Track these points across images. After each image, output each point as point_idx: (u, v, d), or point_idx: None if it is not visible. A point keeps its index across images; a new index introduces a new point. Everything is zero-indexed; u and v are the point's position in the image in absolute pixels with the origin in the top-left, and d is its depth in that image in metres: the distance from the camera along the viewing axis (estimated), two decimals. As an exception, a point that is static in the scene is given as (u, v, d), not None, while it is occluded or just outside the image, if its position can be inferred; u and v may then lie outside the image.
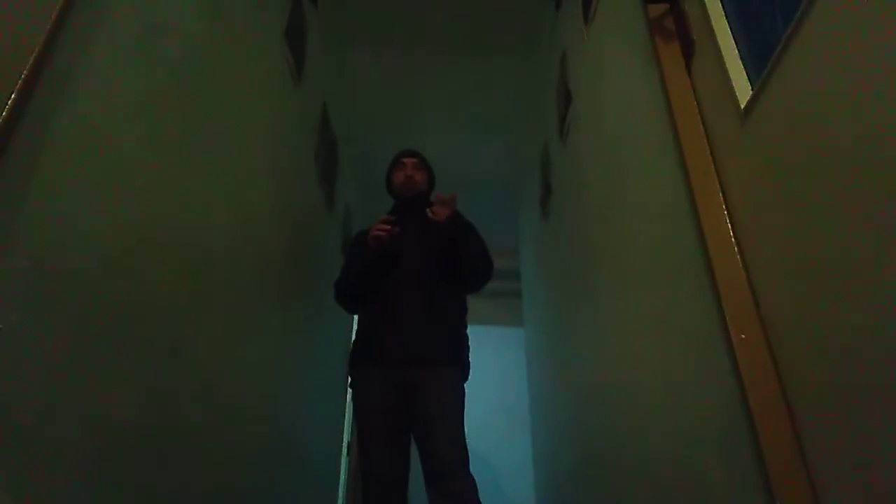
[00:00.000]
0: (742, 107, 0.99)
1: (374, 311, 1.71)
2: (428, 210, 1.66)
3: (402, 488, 1.56)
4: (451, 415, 1.55)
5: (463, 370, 1.68)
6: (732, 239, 1.00)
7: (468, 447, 1.52)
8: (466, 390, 1.64)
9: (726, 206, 1.03)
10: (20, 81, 0.74)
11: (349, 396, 3.79)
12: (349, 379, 1.71)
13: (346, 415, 3.63)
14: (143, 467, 1.06)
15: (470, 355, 1.74)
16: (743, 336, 0.90)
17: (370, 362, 1.64)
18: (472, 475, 1.48)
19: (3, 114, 0.71)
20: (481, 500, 1.45)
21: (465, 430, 1.56)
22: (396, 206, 1.90)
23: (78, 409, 0.88)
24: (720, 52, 1.09)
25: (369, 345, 1.68)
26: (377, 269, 1.69)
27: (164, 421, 1.14)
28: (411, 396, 1.55)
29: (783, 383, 0.85)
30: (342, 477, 3.59)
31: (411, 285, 1.68)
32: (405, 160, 1.93)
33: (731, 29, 1.11)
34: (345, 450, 3.62)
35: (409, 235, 1.69)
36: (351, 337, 3.95)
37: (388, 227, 1.63)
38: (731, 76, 1.05)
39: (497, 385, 4.04)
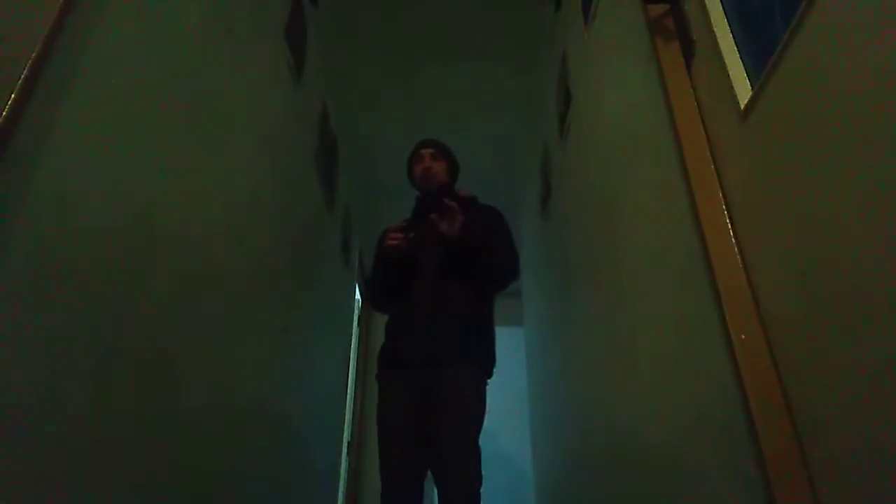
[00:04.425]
0: (742, 107, 0.99)
1: (397, 314, 1.72)
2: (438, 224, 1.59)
3: (418, 497, 1.54)
4: (460, 413, 1.52)
5: (483, 368, 1.67)
6: (732, 239, 1.00)
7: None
8: None
9: (726, 206, 1.03)
10: (20, 81, 0.74)
11: (349, 397, 3.80)
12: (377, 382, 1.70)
13: (347, 415, 3.64)
14: (142, 467, 1.06)
15: (495, 350, 1.72)
16: (743, 336, 0.90)
17: (392, 365, 1.64)
18: (473, 471, 1.46)
19: (3, 114, 0.71)
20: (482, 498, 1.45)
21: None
22: (419, 200, 1.87)
23: (77, 407, 0.88)
24: (720, 52, 1.09)
25: (391, 347, 1.68)
26: (398, 274, 1.69)
27: (163, 421, 1.14)
28: (429, 398, 1.54)
29: (783, 383, 0.85)
30: (342, 477, 3.60)
31: (428, 287, 1.66)
32: (422, 151, 1.88)
33: (731, 29, 1.11)
34: (345, 450, 3.63)
35: (427, 235, 1.65)
36: (352, 337, 3.96)
37: (402, 235, 1.61)
38: (731, 76, 1.05)
39: (496, 384, 4.02)
